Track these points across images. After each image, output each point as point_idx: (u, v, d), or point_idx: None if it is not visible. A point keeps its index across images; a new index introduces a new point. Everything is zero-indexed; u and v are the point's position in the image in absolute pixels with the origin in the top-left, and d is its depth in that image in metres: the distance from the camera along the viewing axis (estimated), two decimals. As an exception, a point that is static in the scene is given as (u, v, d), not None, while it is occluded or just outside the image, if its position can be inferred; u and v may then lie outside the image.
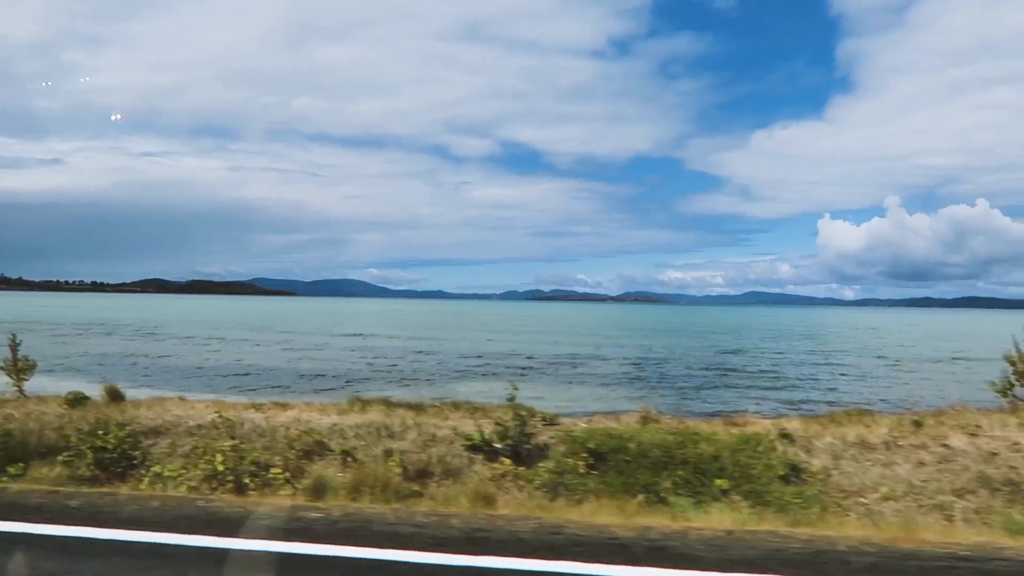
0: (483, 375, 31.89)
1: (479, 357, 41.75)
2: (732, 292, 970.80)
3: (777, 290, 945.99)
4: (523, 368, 35.42)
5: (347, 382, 28.00)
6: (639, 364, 39.79)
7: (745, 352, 50.09)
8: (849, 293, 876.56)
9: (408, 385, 26.87)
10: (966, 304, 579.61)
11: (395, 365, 36.10)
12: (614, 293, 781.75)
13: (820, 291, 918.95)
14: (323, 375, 30.87)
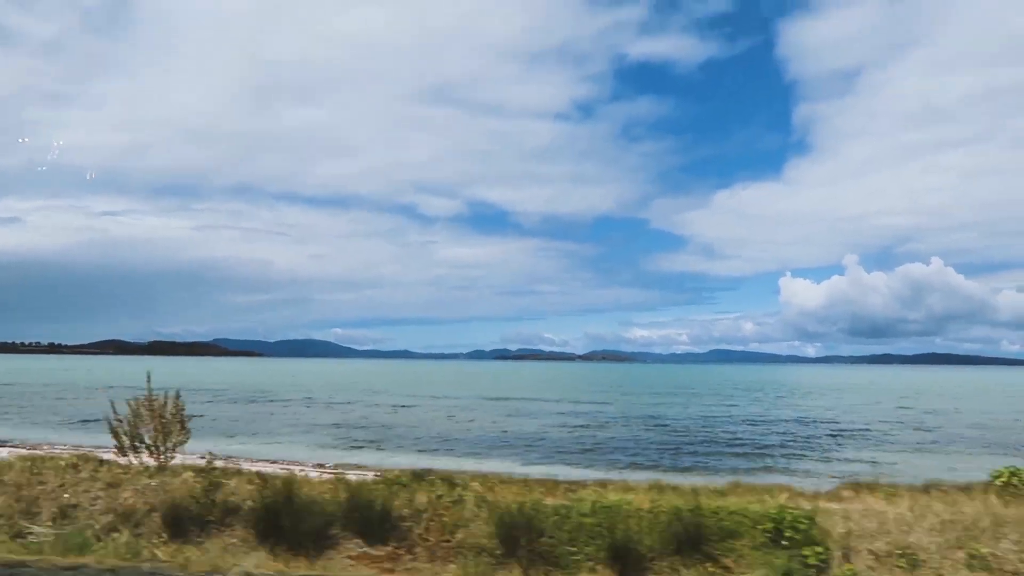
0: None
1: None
2: (697, 350, 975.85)
3: (741, 348, 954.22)
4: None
5: (632, 455, 26.93)
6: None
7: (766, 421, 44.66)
8: (811, 350, 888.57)
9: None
10: (925, 360, 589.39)
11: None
12: (581, 351, 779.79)
13: (783, 348, 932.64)
14: (623, 448, 29.31)
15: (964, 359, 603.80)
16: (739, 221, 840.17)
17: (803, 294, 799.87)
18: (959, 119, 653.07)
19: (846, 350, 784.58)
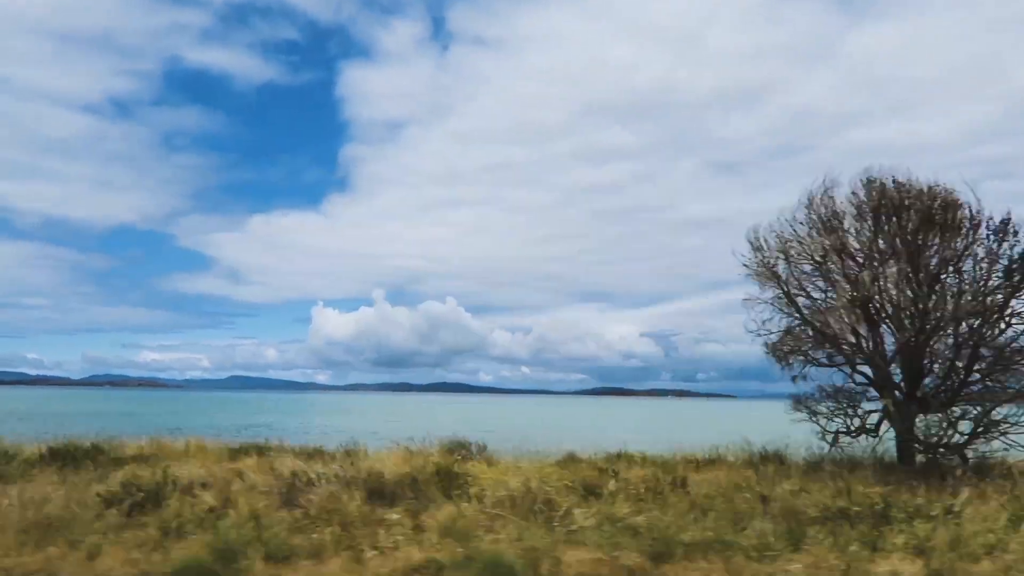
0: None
1: None
2: (216, 376, 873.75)
3: (261, 374, 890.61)
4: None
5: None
6: None
7: None
8: (336, 378, 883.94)
9: None
10: (438, 389, 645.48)
11: None
12: (77, 376, 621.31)
13: (307, 376, 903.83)
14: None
15: (473, 388, 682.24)
16: (272, 248, 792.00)
17: (333, 324, 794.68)
18: (471, 183, 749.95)
19: (369, 378, 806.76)
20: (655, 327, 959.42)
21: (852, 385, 15.64)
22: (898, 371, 15.11)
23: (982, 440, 14.30)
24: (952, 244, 14.31)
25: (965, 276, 14.30)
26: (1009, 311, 14.04)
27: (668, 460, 15.53)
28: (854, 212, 15.24)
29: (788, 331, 15.95)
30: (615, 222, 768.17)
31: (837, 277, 15.13)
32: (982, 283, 14.06)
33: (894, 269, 14.30)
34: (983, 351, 14.34)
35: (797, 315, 15.71)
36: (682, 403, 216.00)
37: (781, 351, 15.88)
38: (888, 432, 15.22)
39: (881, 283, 14.48)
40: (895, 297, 14.53)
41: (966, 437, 14.31)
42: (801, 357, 15.86)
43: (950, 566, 7.11)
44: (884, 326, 15.09)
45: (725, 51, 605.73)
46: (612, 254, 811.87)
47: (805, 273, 15.72)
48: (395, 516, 8.78)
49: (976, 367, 14.46)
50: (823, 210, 15.42)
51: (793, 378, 15.94)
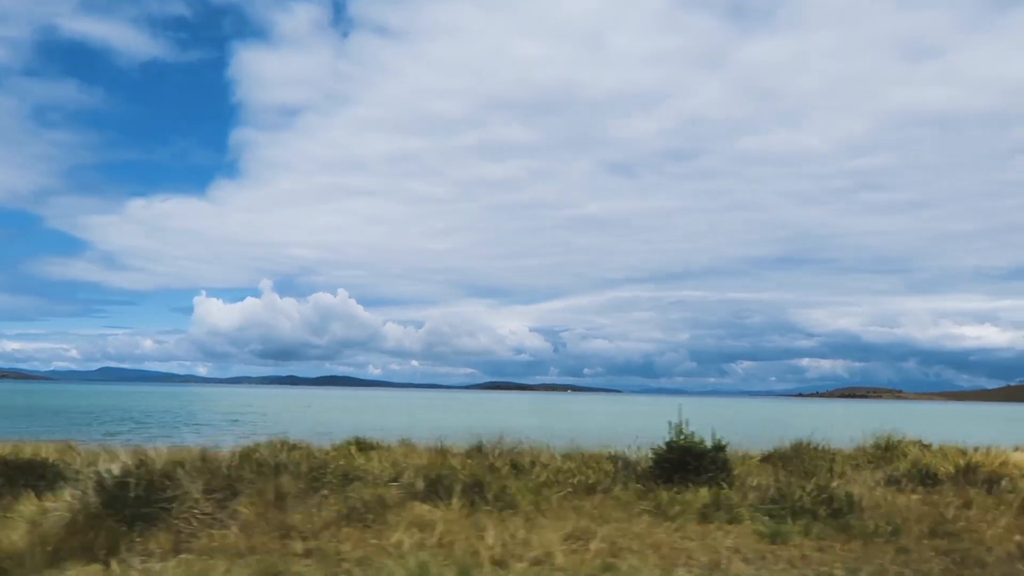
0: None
1: None
2: (84, 367, 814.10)
3: (136, 366, 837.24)
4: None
5: None
6: None
7: None
8: (217, 370, 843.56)
9: None
10: (327, 382, 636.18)
11: None
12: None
13: (186, 368, 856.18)
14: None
15: (362, 382, 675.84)
16: (152, 233, 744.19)
17: (216, 314, 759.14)
18: (369, 172, 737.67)
19: (255, 371, 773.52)
20: (545, 323, 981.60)
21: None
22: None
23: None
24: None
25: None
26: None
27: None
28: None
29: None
30: (511, 218, 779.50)
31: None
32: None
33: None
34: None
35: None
36: (585, 398, 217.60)
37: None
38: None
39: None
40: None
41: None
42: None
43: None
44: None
45: (626, 53, 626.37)
46: (507, 249, 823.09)
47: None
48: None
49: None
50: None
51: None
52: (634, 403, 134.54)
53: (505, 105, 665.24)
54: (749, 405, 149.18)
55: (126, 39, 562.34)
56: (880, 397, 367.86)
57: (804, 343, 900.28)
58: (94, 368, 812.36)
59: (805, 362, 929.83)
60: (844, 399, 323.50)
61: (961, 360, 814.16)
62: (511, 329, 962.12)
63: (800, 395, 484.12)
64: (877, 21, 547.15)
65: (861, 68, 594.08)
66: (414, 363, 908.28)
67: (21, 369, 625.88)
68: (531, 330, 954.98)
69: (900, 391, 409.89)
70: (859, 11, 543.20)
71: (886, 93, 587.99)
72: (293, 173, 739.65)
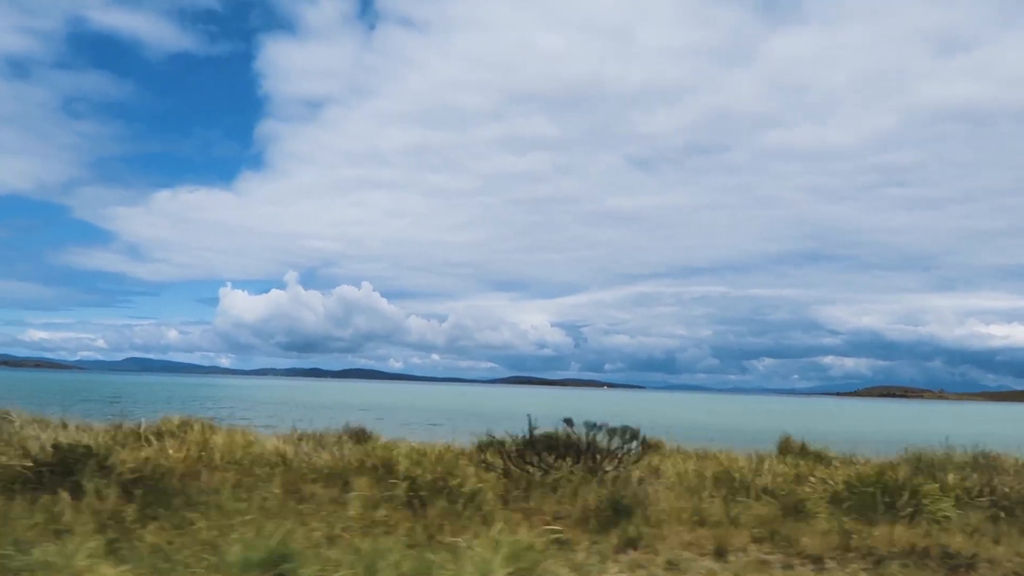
0: None
1: None
2: (112, 357, 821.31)
3: (161, 356, 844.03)
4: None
5: None
6: None
7: None
8: (240, 362, 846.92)
9: None
10: (351, 375, 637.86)
11: None
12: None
13: (209, 359, 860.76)
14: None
15: (384, 375, 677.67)
16: (178, 224, 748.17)
17: (241, 306, 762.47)
18: (391, 165, 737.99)
19: (280, 363, 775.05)
20: (566, 317, 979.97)
21: None
22: None
23: None
24: None
25: None
26: None
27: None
28: None
29: None
30: (533, 212, 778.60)
31: None
32: None
33: None
34: None
35: None
36: (630, 394, 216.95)
37: None
38: None
39: None
40: None
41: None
42: None
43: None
44: None
45: (653, 48, 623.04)
46: (528, 243, 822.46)
47: None
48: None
49: None
50: None
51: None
52: (742, 401, 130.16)
53: (529, 99, 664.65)
54: (820, 405, 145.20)
55: (155, 31, 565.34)
56: (921, 397, 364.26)
57: (827, 341, 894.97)
58: (120, 358, 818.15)
59: (828, 360, 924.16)
60: (883, 399, 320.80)
61: (987, 359, 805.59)
62: (532, 323, 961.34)
63: (826, 393, 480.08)
64: (909, 15, 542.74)
65: (891, 62, 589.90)
66: (435, 357, 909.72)
67: (48, 358, 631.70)
68: (552, 325, 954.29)
69: (942, 391, 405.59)
70: (891, 5, 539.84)
71: (916, 88, 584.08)
72: (316, 165, 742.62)
